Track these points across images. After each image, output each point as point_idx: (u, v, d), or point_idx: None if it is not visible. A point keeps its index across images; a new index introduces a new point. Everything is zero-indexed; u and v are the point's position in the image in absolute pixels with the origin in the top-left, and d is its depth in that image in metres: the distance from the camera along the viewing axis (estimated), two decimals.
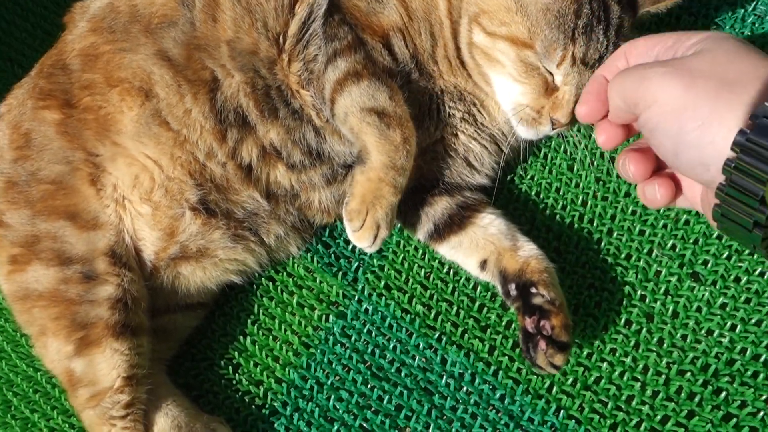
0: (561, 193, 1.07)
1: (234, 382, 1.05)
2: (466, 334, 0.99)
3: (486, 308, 1.00)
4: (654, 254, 0.98)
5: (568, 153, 1.09)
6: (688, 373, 0.88)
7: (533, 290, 0.90)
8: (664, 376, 0.89)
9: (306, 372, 1.03)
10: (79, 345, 0.93)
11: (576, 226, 1.04)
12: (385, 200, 0.92)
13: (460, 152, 1.04)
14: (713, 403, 0.85)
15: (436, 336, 1.00)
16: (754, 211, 0.61)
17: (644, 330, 0.93)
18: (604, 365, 0.92)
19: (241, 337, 1.08)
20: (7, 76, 1.45)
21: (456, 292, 1.03)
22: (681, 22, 1.13)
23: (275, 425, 1.00)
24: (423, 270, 1.06)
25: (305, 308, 1.08)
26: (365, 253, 1.09)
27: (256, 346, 1.06)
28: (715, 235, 0.96)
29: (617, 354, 0.92)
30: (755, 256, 0.92)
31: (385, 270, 1.07)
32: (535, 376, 0.93)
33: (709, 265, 0.94)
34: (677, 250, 0.97)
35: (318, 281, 1.10)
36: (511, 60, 0.92)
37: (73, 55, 0.99)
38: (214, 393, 1.05)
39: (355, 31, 0.95)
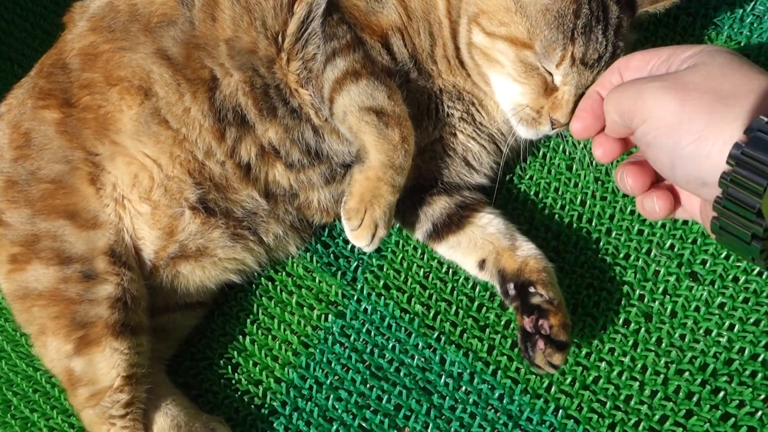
0: (560, 193, 1.07)
1: (233, 381, 1.05)
2: (465, 334, 0.99)
3: (485, 308, 1.00)
4: (652, 254, 0.98)
5: (567, 153, 1.09)
6: (687, 373, 0.88)
7: (532, 290, 0.90)
8: (662, 376, 0.88)
9: (305, 371, 1.03)
10: (79, 344, 0.93)
11: (575, 225, 1.04)
12: (384, 199, 0.92)
13: (459, 152, 1.04)
14: (711, 403, 0.85)
15: (435, 335, 1.00)
16: (751, 223, 0.61)
17: (643, 329, 0.93)
18: (603, 365, 0.92)
19: (241, 337, 1.08)
20: (7, 76, 1.45)
21: (455, 292, 1.03)
22: (679, 22, 1.13)
23: (274, 425, 1.00)
24: (422, 269, 1.06)
25: (304, 308, 1.08)
26: (364, 253, 1.09)
27: (256, 346, 1.06)
28: None
29: (616, 353, 0.92)
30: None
31: (384, 269, 1.07)
32: (534, 376, 0.93)
33: (708, 264, 0.94)
34: (676, 249, 0.97)
35: (317, 281, 1.10)
36: (510, 60, 0.92)
37: (73, 55, 0.99)
38: (214, 392, 1.05)
39: (354, 31, 0.95)
